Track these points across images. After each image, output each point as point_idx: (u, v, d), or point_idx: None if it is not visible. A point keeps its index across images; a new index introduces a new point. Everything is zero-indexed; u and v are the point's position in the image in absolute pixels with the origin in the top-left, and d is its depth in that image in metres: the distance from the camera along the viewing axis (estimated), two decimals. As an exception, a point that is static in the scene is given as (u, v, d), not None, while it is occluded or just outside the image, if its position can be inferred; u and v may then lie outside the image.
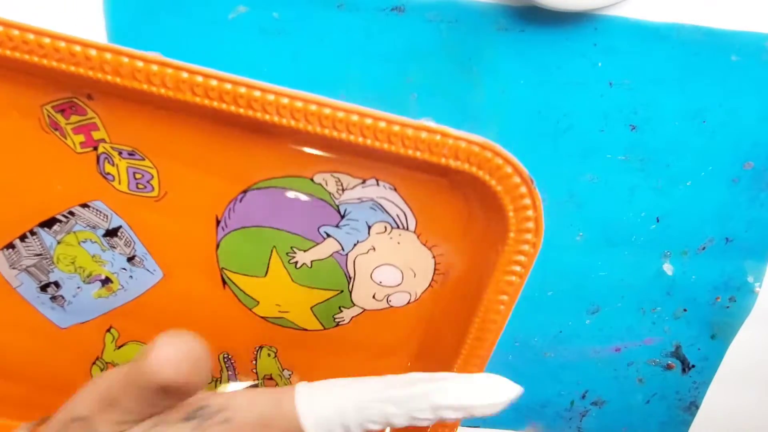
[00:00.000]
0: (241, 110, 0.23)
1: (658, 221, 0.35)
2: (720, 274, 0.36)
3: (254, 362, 0.31)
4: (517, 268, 0.26)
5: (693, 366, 0.39)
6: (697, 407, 0.40)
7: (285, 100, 0.22)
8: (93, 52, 0.22)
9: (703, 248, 0.36)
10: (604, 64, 0.30)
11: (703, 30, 0.29)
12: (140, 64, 0.22)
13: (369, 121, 0.23)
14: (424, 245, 0.27)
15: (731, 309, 0.36)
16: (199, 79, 0.22)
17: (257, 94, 0.22)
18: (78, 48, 0.22)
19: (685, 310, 0.38)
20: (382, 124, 0.23)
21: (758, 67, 0.31)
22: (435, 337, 0.30)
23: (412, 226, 0.27)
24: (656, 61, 0.30)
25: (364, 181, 0.26)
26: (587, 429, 0.43)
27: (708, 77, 0.31)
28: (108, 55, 0.22)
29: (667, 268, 0.37)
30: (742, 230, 0.35)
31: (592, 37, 0.29)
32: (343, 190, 0.26)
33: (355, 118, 0.23)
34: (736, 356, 0.38)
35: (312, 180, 0.26)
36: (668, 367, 0.40)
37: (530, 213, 0.24)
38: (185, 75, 0.22)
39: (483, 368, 0.29)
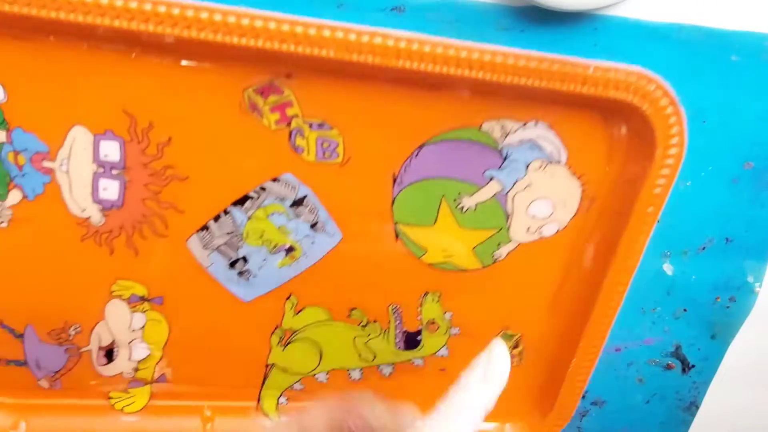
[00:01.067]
0: (426, 66, 0.26)
1: (658, 221, 0.35)
2: (720, 274, 0.36)
3: (419, 309, 0.34)
4: (663, 181, 0.30)
5: (693, 366, 0.39)
6: (697, 407, 0.40)
7: (464, 54, 0.26)
8: (299, 29, 0.25)
9: (703, 248, 0.36)
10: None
11: (703, 30, 0.29)
12: (340, 35, 0.25)
13: (534, 64, 0.26)
14: (574, 175, 0.31)
15: (731, 309, 0.37)
16: (393, 42, 0.25)
17: (439, 50, 0.26)
18: (277, 26, 0.25)
19: (685, 310, 0.39)
20: (556, 67, 0.27)
21: (758, 67, 0.31)
22: (580, 261, 0.34)
23: (564, 160, 0.31)
24: (656, 61, 0.30)
25: (524, 124, 0.30)
26: (587, 429, 0.44)
27: (708, 77, 0.31)
28: (312, 31, 0.25)
29: (667, 268, 0.37)
30: (742, 230, 0.35)
31: (592, 37, 0.29)
32: (506, 134, 0.30)
33: (522, 63, 0.26)
34: (736, 356, 0.38)
35: (479, 128, 0.29)
36: (668, 367, 0.41)
37: (676, 129, 0.29)
38: (389, 42, 0.25)
39: (628, 284, 0.33)
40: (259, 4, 0.26)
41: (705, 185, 0.35)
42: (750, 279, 0.36)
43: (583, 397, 0.37)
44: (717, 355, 0.38)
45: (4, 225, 0.29)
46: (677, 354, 0.40)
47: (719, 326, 0.38)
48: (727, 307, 0.37)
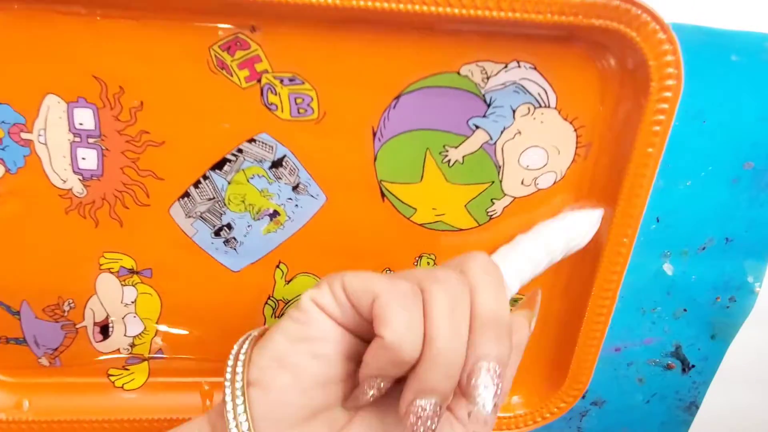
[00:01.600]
0: (411, 6, 0.25)
1: (657, 221, 0.35)
2: (720, 274, 0.36)
3: (415, 273, 0.33)
4: (662, 117, 0.28)
5: (693, 366, 0.39)
6: (697, 407, 0.40)
7: None
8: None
9: (703, 248, 0.36)
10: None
11: (703, 30, 0.30)
12: (308, -23, 0.24)
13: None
14: (566, 120, 0.29)
15: (731, 309, 0.37)
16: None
17: None
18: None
19: (685, 310, 0.38)
20: (528, -4, 0.25)
21: (758, 67, 0.31)
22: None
23: (553, 103, 0.29)
24: None
25: (506, 65, 0.28)
26: (587, 429, 0.44)
27: (708, 77, 0.31)
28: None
29: (667, 268, 0.37)
30: (742, 230, 0.35)
31: None
32: (487, 78, 0.28)
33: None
34: (736, 356, 0.38)
35: (458, 73, 0.28)
36: (668, 367, 0.40)
37: (670, 58, 0.26)
38: (349, -19, 0.24)
39: (637, 227, 0.31)
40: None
41: (705, 185, 0.34)
42: (750, 279, 0.36)
43: (583, 397, 0.37)
44: (717, 355, 0.37)
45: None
46: (677, 354, 0.39)
47: (719, 326, 0.38)
48: (727, 307, 0.37)
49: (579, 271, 0.33)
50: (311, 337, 0.23)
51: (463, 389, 0.22)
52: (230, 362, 0.23)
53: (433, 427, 0.21)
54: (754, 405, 0.41)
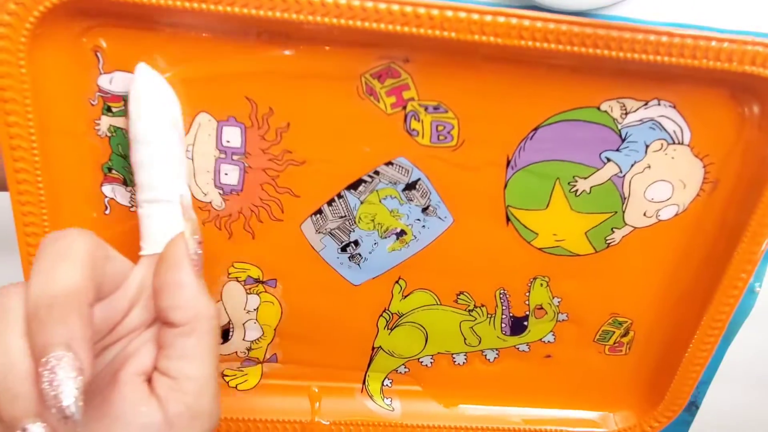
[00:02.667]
0: (560, 47, 0.25)
1: None
2: None
3: (527, 294, 0.34)
4: (796, 162, 0.28)
5: None
6: (697, 407, 0.39)
7: (577, 29, 0.25)
8: (421, 11, 0.25)
9: None
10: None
11: (702, 29, 0.28)
12: (475, 17, 0.25)
13: (664, 38, 0.25)
14: (696, 156, 0.30)
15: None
16: (527, 23, 0.25)
17: (556, 27, 0.25)
18: (400, 8, 0.25)
19: None
20: (684, 41, 0.25)
21: None
22: (703, 247, 0.32)
23: (687, 140, 0.29)
24: None
25: (646, 103, 0.29)
26: None
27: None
28: (435, 12, 0.25)
29: None
30: None
31: None
32: (626, 113, 0.29)
33: (652, 38, 0.25)
34: (736, 356, 0.38)
35: (598, 108, 0.29)
36: None
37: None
38: (514, 21, 0.25)
39: (753, 271, 0.31)
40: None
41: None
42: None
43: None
44: (717, 355, 0.36)
45: (134, 209, 0.30)
46: None
47: None
48: None
49: (685, 307, 0.34)
50: None
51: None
52: None
53: None
54: (754, 405, 0.41)
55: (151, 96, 0.26)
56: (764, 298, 0.35)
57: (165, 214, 0.26)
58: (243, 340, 0.35)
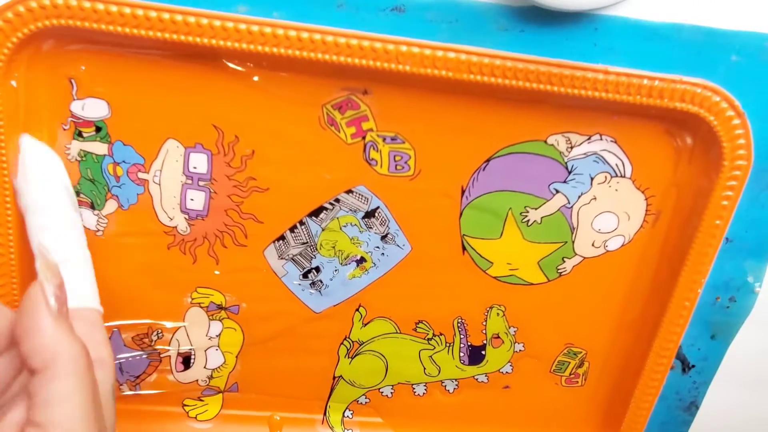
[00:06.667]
0: (513, 82, 0.27)
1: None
2: (720, 274, 0.35)
3: (484, 323, 0.35)
4: (730, 193, 0.30)
5: (693, 366, 0.38)
6: (697, 407, 0.40)
7: (530, 67, 0.27)
8: (378, 45, 0.27)
9: None
10: (604, 64, 0.29)
11: (703, 30, 0.29)
12: (427, 52, 0.27)
13: (601, 76, 0.28)
14: (638, 189, 0.32)
15: (731, 309, 0.36)
16: (474, 59, 0.27)
17: (520, 66, 0.27)
18: (358, 42, 0.27)
19: None
20: (620, 79, 0.28)
21: (758, 67, 0.31)
22: (649, 276, 0.34)
23: (628, 173, 0.31)
24: (656, 61, 0.30)
25: (589, 137, 0.31)
26: None
27: (708, 77, 0.30)
28: (390, 47, 0.27)
29: None
30: (742, 230, 0.34)
31: (592, 37, 0.29)
32: (571, 147, 0.31)
33: (590, 75, 0.28)
34: (736, 356, 0.38)
35: (545, 142, 0.31)
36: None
37: (742, 141, 0.29)
38: (463, 57, 0.27)
39: (696, 299, 0.33)
40: (264, 4, 0.27)
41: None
42: (750, 279, 0.36)
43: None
44: (717, 355, 0.37)
45: (100, 234, 0.31)
46: (677, 354, 0.39)
47: (719, 326, 0.37)
48: (727, 307, 0.37)
49: (636, 336, 0.35)
50: None
51: None
52: None
53: None
54: (754, 405, 0.40)
55: (38, 166, 0.28)
56: (764, 298, 0.36)
57: None
58: (204, 368, 0.35)
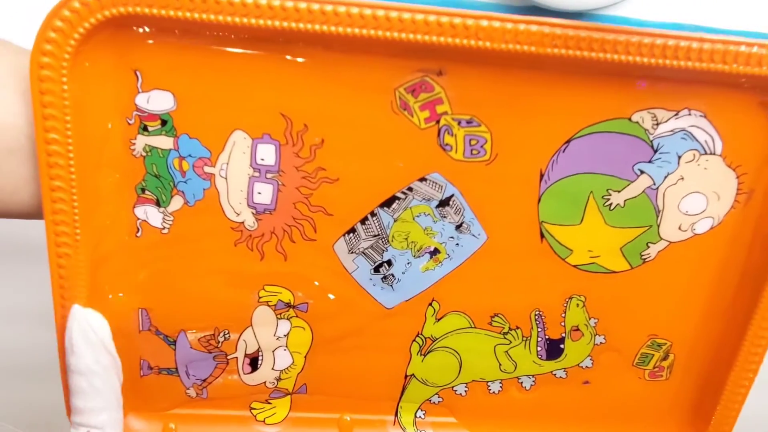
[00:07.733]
0: (600, 55, 0.26)
1: None
2: None
3: (563, 315, 0.33)
4: (832, 168, 0.28)
5: None
6: None
7: (611, 36, 0.26)
8: (457, 21, 0.25)
9: None
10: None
11: (703, 30, 0.29)
12: (509, 26, 0.25)
13: (695, 44, 0.26)
14: (729, 167, 0.30)
15: None
16: (558, 31, 0.25)
17: (606, 36, 0.26)
18: (437, 18, 0.25)
19: None
20: (712, 46, 0.26)
21: None
22: (739, 260, 0.32)
23: (719, 150, 0.30)
24: None
25: (677, 113, 0.29)
26: None
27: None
28: (470, 21, 0.25)
29: None
30: None
31: None
32: (657, 124, 0.29)
33: (682, 43, 0.26)
34: None
35: (630, 119, 0.29)
36: None
37: None
38: (546, 29, 0.25)
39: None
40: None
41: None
42: None
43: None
44: None
45: (165, 231, 0.30)
46: None
47: None
48: None
49: (727, 326, 0.33)
50: None
51: None
52: None
53: None
54: (754, 405, 0.38)
55: (86, 334, 0.29)
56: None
57: None
58: (272, 369, 0.34)
